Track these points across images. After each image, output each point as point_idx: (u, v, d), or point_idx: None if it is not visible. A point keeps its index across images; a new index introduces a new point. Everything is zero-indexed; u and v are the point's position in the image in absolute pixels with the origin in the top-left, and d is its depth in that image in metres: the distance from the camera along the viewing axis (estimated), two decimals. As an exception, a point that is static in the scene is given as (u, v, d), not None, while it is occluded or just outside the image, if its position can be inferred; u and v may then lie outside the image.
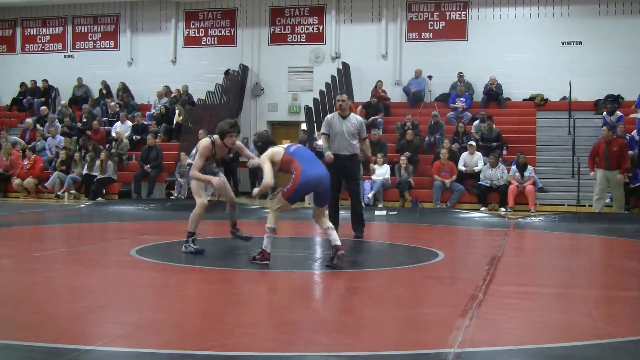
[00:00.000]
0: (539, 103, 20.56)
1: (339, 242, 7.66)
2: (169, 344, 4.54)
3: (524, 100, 21.02)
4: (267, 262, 7.48)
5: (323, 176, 7.77)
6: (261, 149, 8.09)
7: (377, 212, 15.48)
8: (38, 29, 25.52)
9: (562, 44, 21.01)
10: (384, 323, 5.32)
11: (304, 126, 20.81)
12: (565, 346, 4.65)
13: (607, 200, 15.87)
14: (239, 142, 8.74)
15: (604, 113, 18.58)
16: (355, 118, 10.82)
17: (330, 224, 7.83)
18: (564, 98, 20.20)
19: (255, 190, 8.04)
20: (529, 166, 16.90)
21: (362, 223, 10.99)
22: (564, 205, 16.77)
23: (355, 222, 10.97)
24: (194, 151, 8.75)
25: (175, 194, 18.25)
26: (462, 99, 20.37)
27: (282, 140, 22.82)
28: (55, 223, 13.06)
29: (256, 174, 16.61)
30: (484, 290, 6.35)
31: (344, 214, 11.16)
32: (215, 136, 8.47)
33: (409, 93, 21.44)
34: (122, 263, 8.09)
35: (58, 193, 19.18)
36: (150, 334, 4.87)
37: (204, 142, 8.46)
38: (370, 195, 17.00)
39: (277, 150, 7.83)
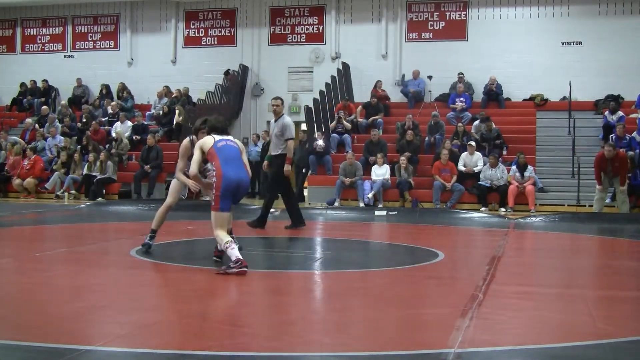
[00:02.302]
0: (539, 103, 20.56)
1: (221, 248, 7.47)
2: (169, 344, 4.54)
3: (524, 100, 21.02)
4: (245, 269, 7.06)
5: (241, 178, 7.45)
6: (207, 134, 7.89)
7: (377, 212, 15.50)
8: (38, 29, 25.53)
9: (562, 44, 21.02)
10: (384, 323, 5.32)
11: (304, 126, 20.80)
12: (565, 346, 4.65)
13: (608, 201, 15.88)
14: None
15: (605, 113, 18.56)
16: (282, 120, 11.08)
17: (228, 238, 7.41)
18: (564, 98, 20.19)
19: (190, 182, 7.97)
20: (529, 166, 16.88)
21: (295, 216, 11.74)
22: (564, 205, 16.74)
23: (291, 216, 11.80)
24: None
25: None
26: (461, 99, 20.36)
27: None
28: (56, 223, 13.06)
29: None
30: (484, 291, 6.35)
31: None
32: (194, 136, 8.52)
33: (407, 94, 21.43)
34: (122, 263, 8.10)
35: (58, 193, 19.17)
36: (150, 334, 4.87)
37: (184, 142, 8.50)
38: (370, 195, 16.99)
39: (207, 140, 7.55)
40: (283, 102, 11.73)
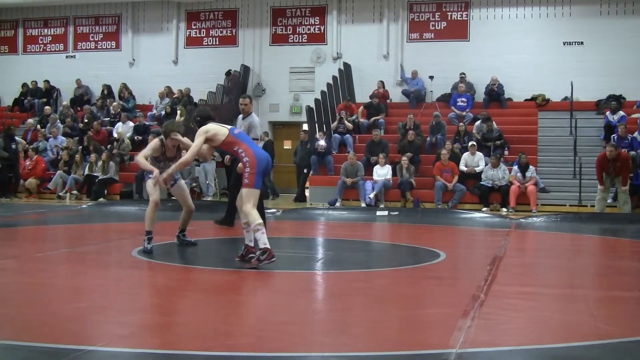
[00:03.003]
0: (540, 103, 20.54)
1: (252, 244, 7.61)
2: (171, 345, 4.55)
3: (526, 100, 20.99)
4: (274, 259, 7.34)
5: (268, 156, 7.82)
6: (199, 124, 8.02)
7: (378, 213, 15.50)
8: (40, 29, 25.55)
9: (564, 44, 20.99)
10: (385, 323, 5.32)
11: (305, 126, 20.80)
12: (567, 346, 4.65)
13: (610, 201, 15.87)
14: (179, 137, 8.79)
15: (607, 113, 18.54)
16: (251, 119, 11.01)
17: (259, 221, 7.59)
18: (566, 98, 20.17)
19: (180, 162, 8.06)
20: (530, 166, 16.88)
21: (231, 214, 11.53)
22: (565, 205, 16.73)
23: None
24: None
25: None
26: (463, 98, 20.36)
27: (284, 141, 22.92)
28: (57, 223, 13.07)
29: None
30: (485, 291, 6.35)
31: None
32: (163, 137, 8.65)
33: (409, 94, 21.43)
34: (123, 263, 8.11)
35: (60, 193, 19.18)
36: (152, 334, 4.88)
37: (154, 140, 8.82)
38: (371, 195, 16.99)
39: (220, 130, 7.74)
40: (252, 100, 11.66)
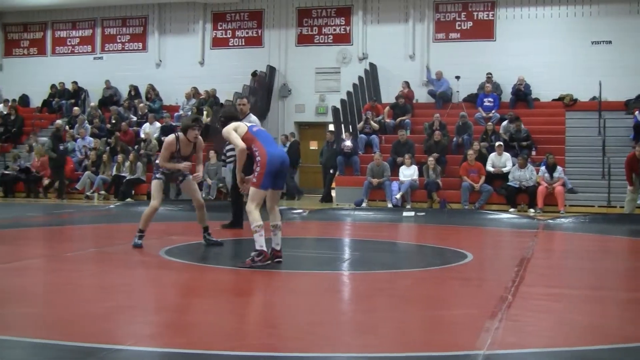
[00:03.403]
0: (568, 103, 20.37)
1: (278, 247, 7.56)
2: (197, 344, 4.56)
3: (553, 100, 20.83)
4: (268, 261, 7.38)
5: (284, 156, 7.71)
6: (223, 124, 8.00)
7: (405, 213, 15.47)
8: (68, 31, 25.81)
9: (592, 44, 20.81)
10: (412, 324, 5.30)
11: (331, 127, 20.80)
12: (595, 349, 4.61)
13: (639, 202, 15.71)
14: (200, 140, 8.88)
15: (636, 112, 18.33)
16: (248, 119, 10.91)
17: (279, 222, 7.68)
18: (594, 98, 20.00)
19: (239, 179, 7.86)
20: (558, 167, 16.75)
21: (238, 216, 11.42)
22: (594, 206, 16.60)
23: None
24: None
25: (204, 195, 18.30)
26: (489, 98, 20.25)
27: (310, 141, 22.95)
28: (85, 223, 13.18)
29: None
30: (513, 292, 6.31)
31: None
32: (180, 133, 8.64)
33: (434, 94, 21.36)
34: (150, 263, 8.15)
35: (88, 194, 19.35)
36: (178, 333, 4.90)
37: (169, 137, 8.80)
38: (398, 196, 16.96)
39: (240, 125, 7.74)
40: (249, 101, 11.68)
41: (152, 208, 8.76)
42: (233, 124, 7.80)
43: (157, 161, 9.07)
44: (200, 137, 8.89)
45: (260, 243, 7.33)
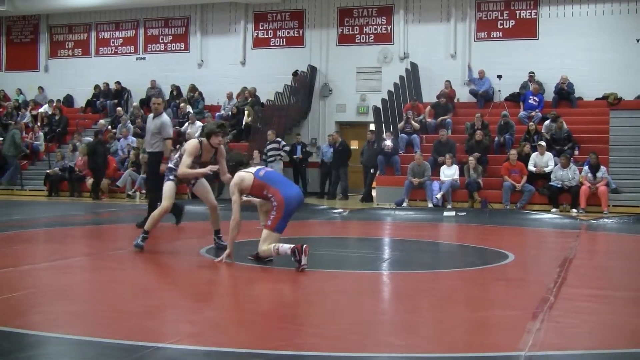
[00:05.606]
0: (612, 102, 20.09)
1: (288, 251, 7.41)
2: (239, 343, 4.60)
3: (597, 99, 20.56)
4: (270, 259, 7.54)
5: (301, 196, 7.78)
6: (232, 170, 8.00)
7: (446, 213, 15.41)
8: (111, 32, 26.15)
9: (637, 41, 20.50)
10: (453, 325, 5.28)
11: (372, 127, 20.78)
12: (638, 352, 4.55)
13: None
14: (222, 147, 8.77)
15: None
16: (161, 119, 10.85)
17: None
18: (639, 97, 19.72)
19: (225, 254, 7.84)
20: (601, 167, 16.54)
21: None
22: (638, 206, 16.37)
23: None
24: (176, 155, 8.82)
25: (245, 194, 18.36)
26: (535, 97, 20.06)
27: (351, 141, 22.94)
28: (127, 222, 13.32)
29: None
30: (555, 293, 6.26)
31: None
32: (203, 138, 8.57)
33: (476, 94, 21.22)
34: (192, 262, 8.23)
35: (129, 192, 19.56)
36: (221, 333, 4.94)
37: (192, 141, 8.62)
38: (439, 195, 16.90)
39: (245, 176, 7.69)
40: (164, 100, 11.65)
41: (163, 210, 8.66)
42: (238, 178, 7.73)
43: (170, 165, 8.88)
44: (222, 145, 8.74)
45: (285, 250, 7.30)
